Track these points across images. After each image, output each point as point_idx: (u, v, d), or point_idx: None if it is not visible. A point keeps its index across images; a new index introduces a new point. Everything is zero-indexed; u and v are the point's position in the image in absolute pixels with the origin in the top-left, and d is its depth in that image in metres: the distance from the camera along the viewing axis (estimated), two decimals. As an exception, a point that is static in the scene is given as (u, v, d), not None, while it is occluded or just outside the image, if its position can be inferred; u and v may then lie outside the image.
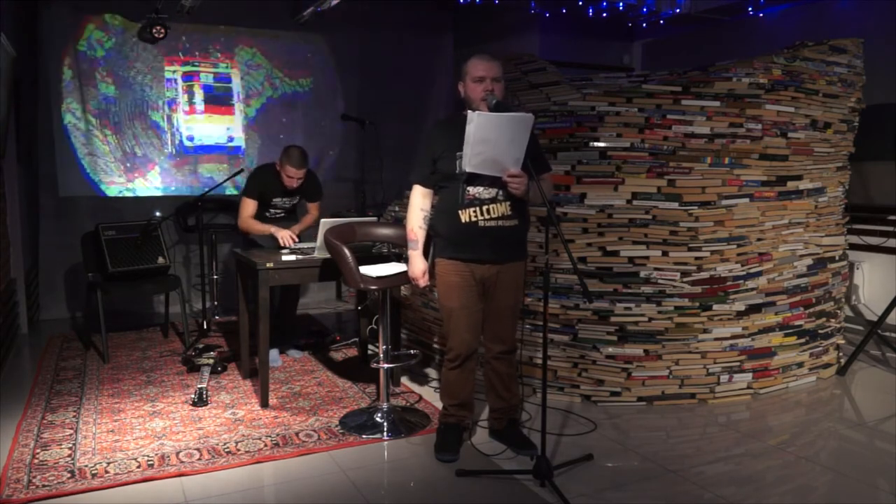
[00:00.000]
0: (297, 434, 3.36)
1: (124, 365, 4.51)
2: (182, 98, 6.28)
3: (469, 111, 2.84)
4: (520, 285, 3.12)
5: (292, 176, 4.31)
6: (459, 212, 2.95)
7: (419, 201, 3.08)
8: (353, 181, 6.87)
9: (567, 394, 3.81)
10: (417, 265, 3.10)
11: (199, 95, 6.35)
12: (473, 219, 2.94)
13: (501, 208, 2.95)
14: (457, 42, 7.32)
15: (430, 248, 3.18)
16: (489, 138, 2.77)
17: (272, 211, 4.57)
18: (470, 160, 2.82)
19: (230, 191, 6.25)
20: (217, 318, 5.69)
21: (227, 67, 6.42)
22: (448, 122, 3.20)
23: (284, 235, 4.21)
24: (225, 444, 3.24)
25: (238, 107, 6.49)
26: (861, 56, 4.21)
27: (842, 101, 4.11)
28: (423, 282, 3.12)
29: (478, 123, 2.74)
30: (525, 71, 4.07)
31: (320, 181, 4.72)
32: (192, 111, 6.33)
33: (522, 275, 3.12)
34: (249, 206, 4.39)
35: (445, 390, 3.21)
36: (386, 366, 3.51)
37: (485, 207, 2.94)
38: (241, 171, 5.65)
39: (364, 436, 3.33)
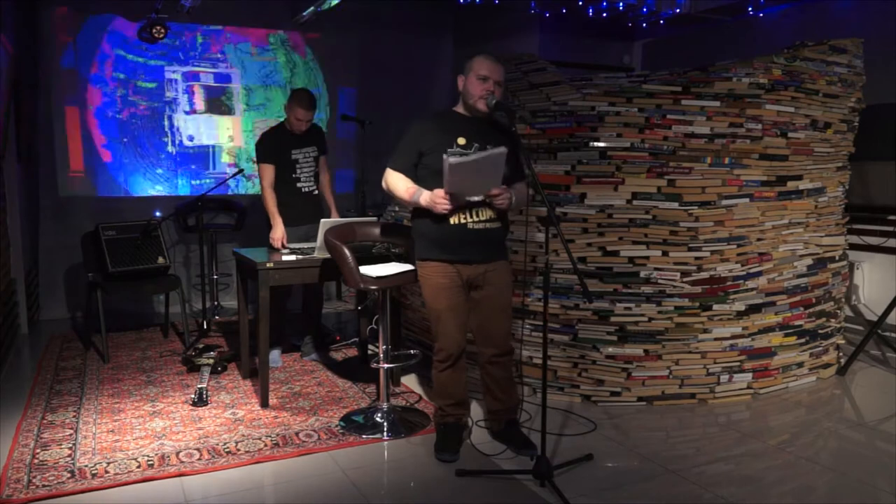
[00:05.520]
0: (297, 434, 3.36)
1: (124, 365, 4.51)
2: (182, 98, 6.28)
3: (444, 155, 2.84)
4: (508, 284, 3.14)
5: (301, 119, 4.29)
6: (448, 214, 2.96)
7: (397, 176, 3.06)
8: (353, 181, 6.87)
9: (567, 394, 3.81)
10: (435, 191, 2.91)
11: (199, 95, 6.34)
12: (462, 221, 2.98)
13: (489, 211, 3.00)
14: (457, 42, 7.32)
15: (412, 249, 3.18)
16: (463, 179, 2.84)
17: (302, 175, 4.42)
18: (448, 189, 2.89)
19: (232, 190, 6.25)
20: (217, 317, 5.69)
21: (227, 67, 6.42)
22: (439, 116, 3.15)
23: (276, 238, 4.17)
24: (225, 444, 3.24)
25: (238, 107, 6.49)
26: (861, 56, 4.21)
27: (842, 101, 4.11)
28: (444, 200, 2.90)
29: (451, 169, 2.77)
30: (525, 71, 4.06)
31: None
32: (192, 111, 6.33)
33: (509, 274, 3.15)
34: (268, 173, 4.32)
35: (439, 392, 3.21)
36: (386, 366, 3.52)
37: (474, 210, 2.98)
38: (241, 171, 5.64)
39: (364, 436, 3.33)
